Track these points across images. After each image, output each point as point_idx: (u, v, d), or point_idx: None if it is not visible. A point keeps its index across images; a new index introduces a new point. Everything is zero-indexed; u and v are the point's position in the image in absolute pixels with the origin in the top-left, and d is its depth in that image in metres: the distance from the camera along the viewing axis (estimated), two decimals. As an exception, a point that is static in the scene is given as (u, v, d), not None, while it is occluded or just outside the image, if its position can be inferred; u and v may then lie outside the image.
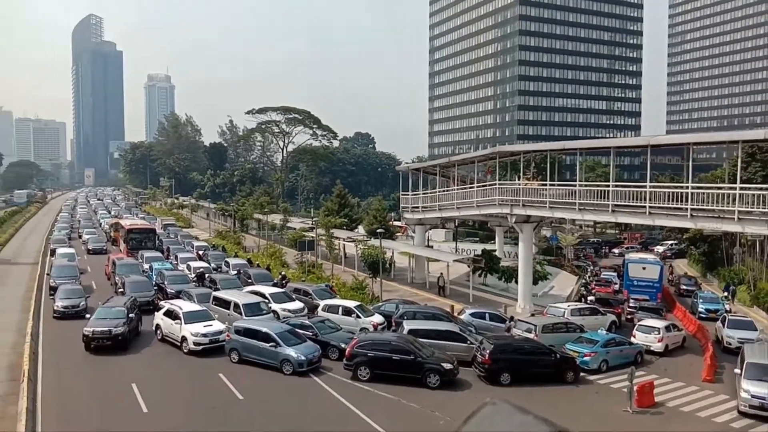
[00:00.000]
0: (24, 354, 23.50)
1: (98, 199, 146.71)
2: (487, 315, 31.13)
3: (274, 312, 30.54)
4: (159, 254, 49.33)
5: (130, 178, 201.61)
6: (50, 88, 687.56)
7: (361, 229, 67.95)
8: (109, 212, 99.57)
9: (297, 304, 32.06)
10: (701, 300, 40.06)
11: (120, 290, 34.52)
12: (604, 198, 30.85)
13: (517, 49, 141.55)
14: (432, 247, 55.89)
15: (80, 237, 66.98)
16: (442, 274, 41.58)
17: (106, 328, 25.30)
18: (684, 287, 47.46)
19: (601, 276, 50.15)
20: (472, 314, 31.07)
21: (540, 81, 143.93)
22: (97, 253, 55.14)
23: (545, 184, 35.43)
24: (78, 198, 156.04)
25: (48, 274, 40.02)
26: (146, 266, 42.86)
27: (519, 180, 40.72)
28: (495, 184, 38.51)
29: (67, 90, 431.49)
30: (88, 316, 27.88)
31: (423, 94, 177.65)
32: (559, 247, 65.79)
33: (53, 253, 50.20)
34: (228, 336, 25.40)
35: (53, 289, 34.62)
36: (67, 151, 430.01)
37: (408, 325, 26.33)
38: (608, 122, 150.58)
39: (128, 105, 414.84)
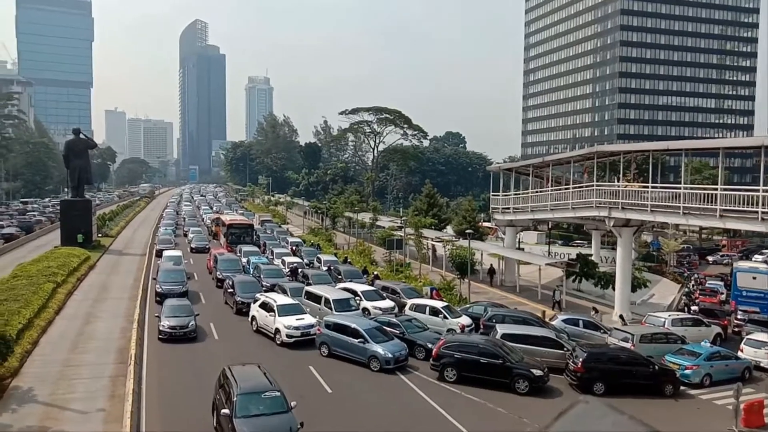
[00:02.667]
0: (131, 339, 25.27)
1: (201, 196, 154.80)
2: (580, 322, 30.02)
3: (365, 309, 31.03)
4: (256, 249, 51.35)
5: (231, 175, 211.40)
6: (160, 90, 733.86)
7: (449, 230, 67.62)
8: (211, 208, 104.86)
9: (388, 303, 32.36)
10: None
11: (230, 290, 33.66)
12: (712, 202, 28.94)
13: (618, 45, 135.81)
14: (523, 249, 54.66)
15: (185, 235, 66.13)
16: (558, 286, 38.92)
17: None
18: None
19: (707, 285, 47.10)
20: (564, 320, 30.08)
21: (642, 78, 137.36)
22: (200, 251, 55.20)
23: (647, 187, 33.73)
24: (183, 194, 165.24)
25: (154, 279, 36.72)
26: (244, 260, 44.75)
27: (618, 181, 39.00)
28: (592, 186, 37.11)
29: (174, 91, 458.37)
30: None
31: (517, 93, 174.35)
32: (660, 253, 62.44)
33: (159, 254, 48.83)
34: (318, 330, 26.07)
35: (160, 296, 32.85)
36: (173, 149, 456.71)
37: (501, 329, 25.86)
38: (717, 121, 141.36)
39: (230, 106, 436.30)
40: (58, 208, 71.05)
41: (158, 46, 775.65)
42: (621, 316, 33.98)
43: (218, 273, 39.39)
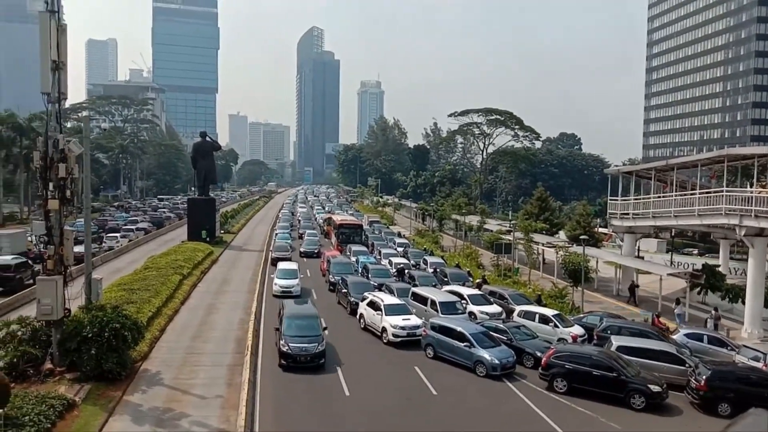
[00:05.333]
0: (248, 331, 26.66)
1: (314, 196, 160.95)
2: (705, 337, 27.91)
3: (472, 313, 30.73)
4: (364, 248, 52.52)
5: (342, 177, 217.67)
6: (278, 95, 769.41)
7: (562, 235, 65.38)
8: (324, 208, 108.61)
9: (495, 308, 31.84)
10: None
11: (343, 291, 34.00)
12: None
13: (753, 39, 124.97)
14: (642, 258, 51.72)
15: (300, 237, 65.42)
16: (713, 309, 34.46)
17: None
18: None
19: None
20: (687, 335, 28.09)
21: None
22: (309, 256, 53.19)
23: (785, 193, 30.76)
24: (298, 195, 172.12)
25: (276, 329, 24.80)
26: (353, 259, 45.81)
27: (751, 187, 35.88)
28: (721, 191, 34.42)
29: (291, 96, 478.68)
30: None
31: (638, 92, 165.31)
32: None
33: (275, 262, 45.16)
34: (424, 332, 26.13)
35: (286, 359, 22.66)
36: (290, 152, 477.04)
37: (617, 341, 24.61)
38: None
39: (343, 110, 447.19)
40: (186, 205, 76.47)
41: (277, 53, 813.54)
42: (715, 308, 30.69)
43: (331, 276, 39.44)
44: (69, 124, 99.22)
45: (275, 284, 36.68)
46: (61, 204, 20.36)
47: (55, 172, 20.04)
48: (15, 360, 19.73)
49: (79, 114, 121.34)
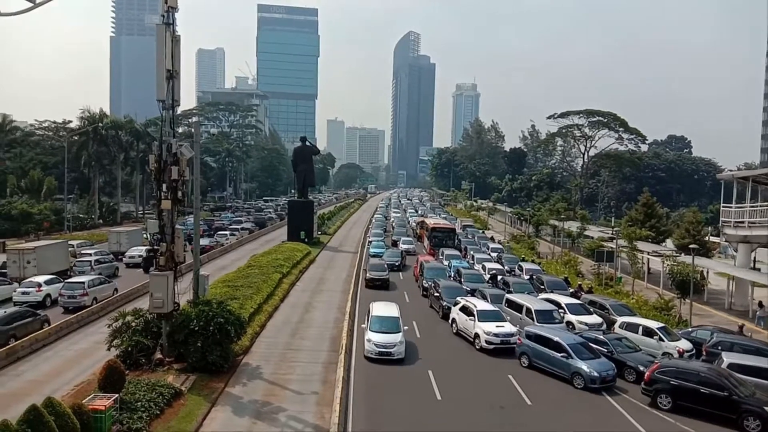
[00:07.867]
0: (343, 330, 27.18)
1: (408, 199, 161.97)
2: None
3: (569, 323, 29.71)
4: (457, 253, 52.15)
5: (436, 180, 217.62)
6: (374, 100, 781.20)
7: (669, 243, 61.81)
8: (417, 211, 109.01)
9: (595, 318, 30.58)
10: None
11: (435, 294, 34.06)
12: None
13: None
14: (759, 269, 47.88)
15: (395, 245, 60.82)
16: None
17: None
18: None
19: None
20: (811, 355, 25.61)
21: None
22: (392, 269, 46.51)
23: None
24: (391, 198, 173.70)
25: None
26: (445, 263, 45.55)
27: None
28: None
29: (387, 101, 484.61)
30: None
31: (756, 91, 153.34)
32: None
33: (370, 284, 40.41)
34: (519, 340, 25.55)
35: None
36: (384, 155, 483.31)
37: (728, 358, 22.86)
38: None
39: (437, 113, 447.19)
40: (286, 207, 79.59)
41: (374, 58, 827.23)
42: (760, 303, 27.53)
43: (424, 281, 38.83)
44: (180, 129, 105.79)
45: (368, 340, 24.97)
46: (173, 204, 21.63)
47: (168, 174, 21.34)
48: (129, 349, 21.28)
49: (190, 120, 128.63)
